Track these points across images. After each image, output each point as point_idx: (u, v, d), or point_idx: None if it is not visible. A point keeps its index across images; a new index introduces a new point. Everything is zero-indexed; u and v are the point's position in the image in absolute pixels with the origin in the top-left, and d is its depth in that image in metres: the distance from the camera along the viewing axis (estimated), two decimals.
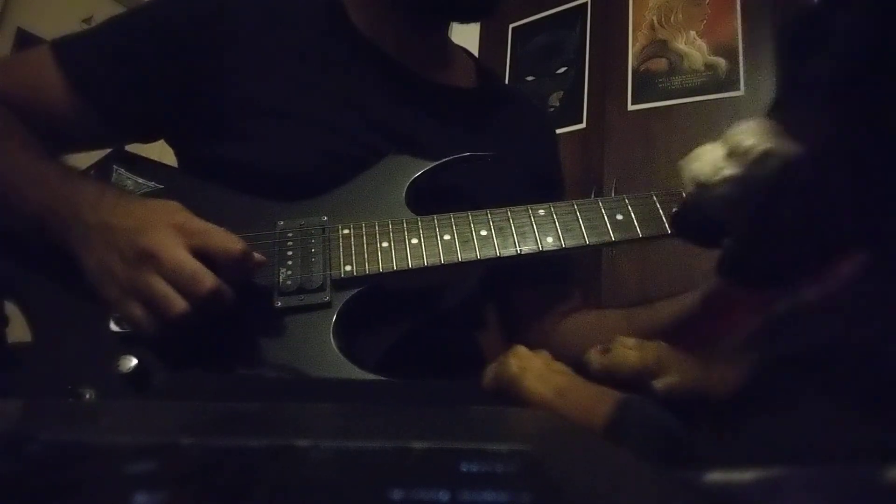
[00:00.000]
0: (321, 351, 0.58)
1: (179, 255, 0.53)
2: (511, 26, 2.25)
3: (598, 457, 0.24)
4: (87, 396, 0.55)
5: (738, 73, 1.73)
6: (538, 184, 0.80)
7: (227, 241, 0.54)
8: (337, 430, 0.29)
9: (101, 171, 0.67)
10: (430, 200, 0.66)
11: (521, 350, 0.53)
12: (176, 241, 0.53)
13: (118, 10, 1.04)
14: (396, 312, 0.65)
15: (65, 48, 0.68)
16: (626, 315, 0.76)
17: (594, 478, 0.20)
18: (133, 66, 0.67)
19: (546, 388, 0.48)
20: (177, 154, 0.75)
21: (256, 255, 0.57)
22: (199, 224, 0.55)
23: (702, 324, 0.69)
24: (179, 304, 0.52)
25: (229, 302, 0.54)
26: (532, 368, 0.49)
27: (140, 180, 0.67)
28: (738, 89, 1.72)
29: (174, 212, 0.56)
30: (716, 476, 0.23)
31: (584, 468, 0.22)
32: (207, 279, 0.52)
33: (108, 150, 0.70)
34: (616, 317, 0.78)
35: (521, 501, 0.16)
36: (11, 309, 0.62)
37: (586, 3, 2.09)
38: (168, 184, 0.66)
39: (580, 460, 0.23)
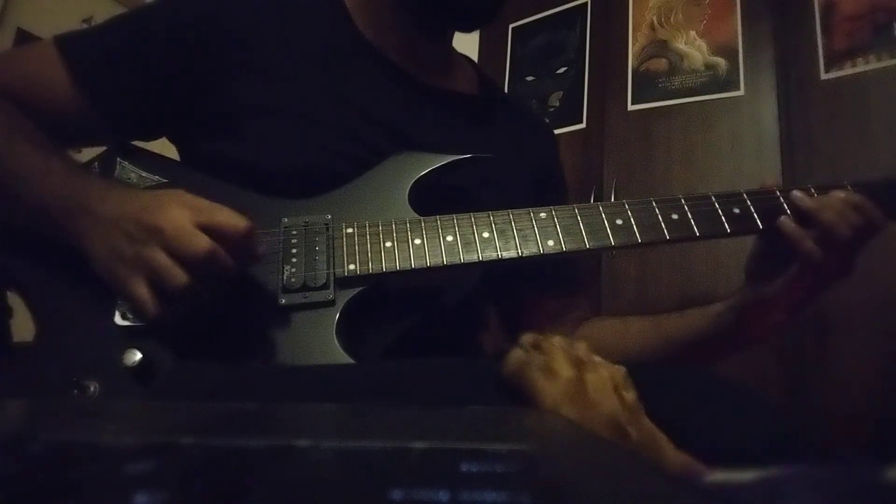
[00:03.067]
0: (325, 348, 0.58)
1: (180, 223, 0.54)
2: (511, 26, 2.25)
3: (598, 457, 0.24)
4: (92, 389, 0.55)
5: (738, 73, 1.73)
6: (540, 190, 0.81)
7: (233, 217, 0.55)
8: (337, 430, 0.29)
9: (104, 164, 0.68)
10: (432, 201, 0.66)
11: (532, 337, 0.47)
12: (181, 215, 0.54)
13: (118, 10, 1.04)
14: (399, 311, 0.65)
15: (70, 44, 0.68)
16: (655, 322, 0.76)
17: (594, 478, 0.20)
18: (138, 65, 0.67)
19: (551, 389, 0.41)
20: (180, 151, 0.75)
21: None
22: (204, 202, 0.56)
23: (734, 335, 0.69)
24: (180, 275, 0.53)
25: (231, 273, 0.55)
26: (536, 361, 0.43)
27: (144, 174, 0.67)
28: (738, 89, 1.72)
29: (180, 193, 0.57)
30: (716, 476, 0.23)
31: (584, 468, 0.22)
32: (203, 241, 0.53)
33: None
34: (642, 325, 0.77)
35: (521, 501, 0.16)
36: (16, 302, 0.62)
37: (586, 3, 2.09)
38: (172, 178, 0.67)
39: (580, 460, 0.23)
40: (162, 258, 0.53)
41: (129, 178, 0.67)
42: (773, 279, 0.66)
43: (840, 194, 0.64)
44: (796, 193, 0.65)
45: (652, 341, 0.75)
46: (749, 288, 0.68)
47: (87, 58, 0.67)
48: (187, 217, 0.54)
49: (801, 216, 0.64)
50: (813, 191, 0.66)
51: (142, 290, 0.54)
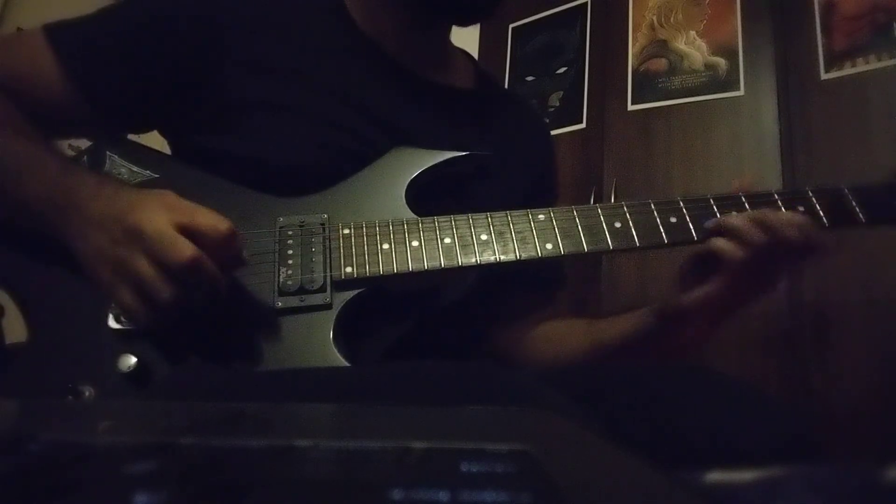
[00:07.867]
0: (322, 352, 0.57)
1: (160, 226, 0.52)
2: (511, 26, 2.25)
3: (598, 457, 0.24)
4: (87, 394, 0.55)
5: (738, 73, 1.73)
6: (533, 188, 0.80)
7: (214, 219, 0.54)
8: (337, 430, 0.29)
9: (94, 157, 0.66)
10: (429, 197, 0.66)
11: None
12: (161, 216, 0.53)
13: None
14: (395, 313, 0.65)
15: (61, 34, 0.66)
16: (588, 325, 0.77)
17: (594, 478, 0.20)
18: (130, 57, 0.66)
19: None
20: (171, 145, 0.73)
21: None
22: (186, 203, 0.55)
23: (657, 338, 0.69)
24: (164, 288, 0.52)
25: (217, 281, 0.54)
26: None
27: (135, 168, 0.65)
28: (738, 89, 1.72)
29: (164, 194, 0.56)
30: (716, 476, 0.23)
31: (584, 468, 0.22)
32: (187, 248, 0.51)
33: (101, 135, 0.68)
34: (579, 326, 0.78)
35: (521, 501, 0.16)
36: (8, 302, 0.61)
37: (586, 3, 2.09)
38: (164, 173, 0.65)
39: (580, 460, 0.23)
40: (145, 269, 0.52)
41: (119, 173, 0.65)
42: (699, 285, 0.64)
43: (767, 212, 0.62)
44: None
45: (585, 343, 0.75)
46: (678, 290, 0.67)
47: (78, 47, 0.66)
48: (167, 219, 0.53)
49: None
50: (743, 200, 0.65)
51: (128, 299, 0.53)
